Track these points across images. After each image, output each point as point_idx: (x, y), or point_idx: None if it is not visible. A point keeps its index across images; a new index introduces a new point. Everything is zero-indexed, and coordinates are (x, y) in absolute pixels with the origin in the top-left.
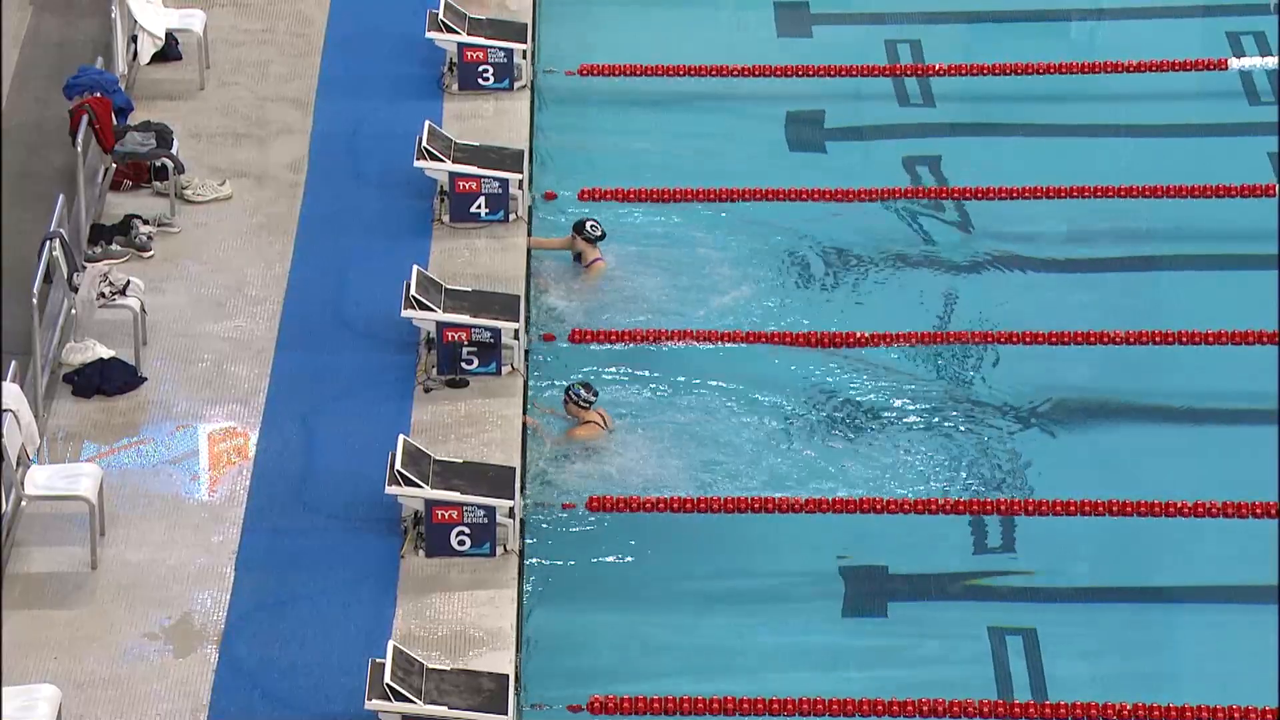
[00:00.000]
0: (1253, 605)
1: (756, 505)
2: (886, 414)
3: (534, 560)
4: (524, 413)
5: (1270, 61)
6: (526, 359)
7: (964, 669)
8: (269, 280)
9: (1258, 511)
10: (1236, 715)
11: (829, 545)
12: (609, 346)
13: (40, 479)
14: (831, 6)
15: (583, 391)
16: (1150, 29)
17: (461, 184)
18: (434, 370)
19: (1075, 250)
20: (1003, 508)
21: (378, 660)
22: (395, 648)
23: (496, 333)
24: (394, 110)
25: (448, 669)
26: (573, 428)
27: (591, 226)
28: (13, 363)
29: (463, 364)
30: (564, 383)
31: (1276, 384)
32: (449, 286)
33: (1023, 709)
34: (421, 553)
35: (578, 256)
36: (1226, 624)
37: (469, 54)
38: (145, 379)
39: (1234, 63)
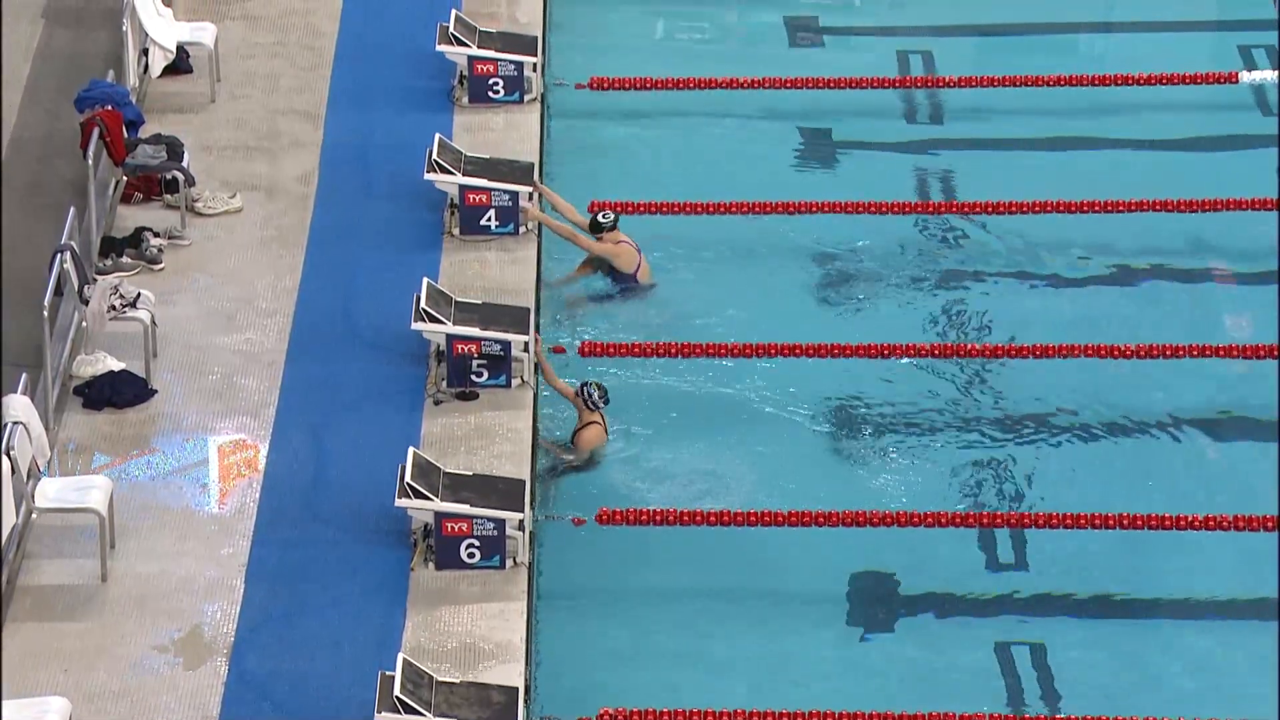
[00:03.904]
0: (1260, 621)
1: (767, 518)
2: (897, 427)
3: (544, 573)
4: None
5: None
6: (536, 372)
7: (974, 682)
8: (279, 293)
9: (1269, 525)
10: None
11: (839, 558)
12: (619, 359)
13: (51, 491)
14: (841, 19)
15: (595, 393)
16: (1160, 42)
17: (472, 197)
18: (444, 383)
19: (1086, 264)
20: (1013, 521)
21: (387, 673)
22: (405, 660)
23: (506, 345)
24: (404, 123)
25: (457, 681)
26: (579, 431)
27: (603, 217)
28: (23, 375)
29: (472, 376)
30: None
31: (1276, 395)
32: (459, 299)
33: None
34: (431, 565)
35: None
36: (1234, 638)
37: (479, 67)
38: (155, 391)
39: (1245, 76)
